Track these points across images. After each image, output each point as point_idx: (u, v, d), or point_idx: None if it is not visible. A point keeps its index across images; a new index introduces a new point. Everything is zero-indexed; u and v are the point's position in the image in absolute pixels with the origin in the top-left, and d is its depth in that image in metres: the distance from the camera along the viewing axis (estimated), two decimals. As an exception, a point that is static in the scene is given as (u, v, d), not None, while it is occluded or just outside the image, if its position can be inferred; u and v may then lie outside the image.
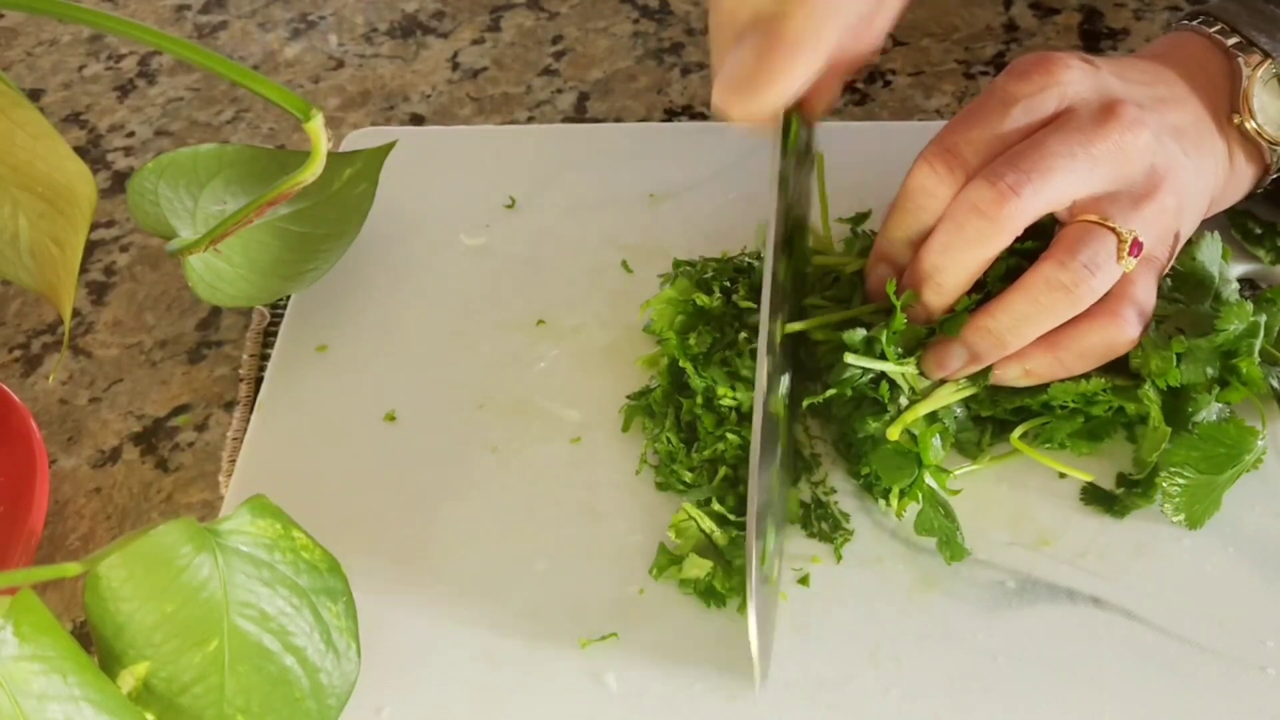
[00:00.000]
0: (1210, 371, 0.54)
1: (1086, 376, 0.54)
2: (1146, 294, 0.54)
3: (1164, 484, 0.53)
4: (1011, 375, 0.54)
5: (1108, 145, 0.52)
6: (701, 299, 0.59)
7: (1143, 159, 0.53)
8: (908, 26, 0.84)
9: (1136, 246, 0.52)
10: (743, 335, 0.58)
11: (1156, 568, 0.52)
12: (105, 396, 0.65)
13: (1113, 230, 0.52)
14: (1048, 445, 0.55)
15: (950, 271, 0.53)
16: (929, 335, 0.54)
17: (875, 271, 0.57)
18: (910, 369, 0.54)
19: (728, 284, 0.60)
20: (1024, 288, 0.53)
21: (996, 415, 0.56)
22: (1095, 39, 0.82)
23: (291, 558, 0.46)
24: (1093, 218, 0.52)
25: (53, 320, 0.69)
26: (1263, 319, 0.54)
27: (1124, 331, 0.53)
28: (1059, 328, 0.53)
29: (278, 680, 0.45)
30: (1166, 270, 0.55)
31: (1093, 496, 0.54)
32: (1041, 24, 0.84)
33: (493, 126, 0.79)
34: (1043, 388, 0.55)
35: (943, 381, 0.55)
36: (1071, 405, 0.55)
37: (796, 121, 0.56)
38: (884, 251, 0.57)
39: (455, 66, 0.84)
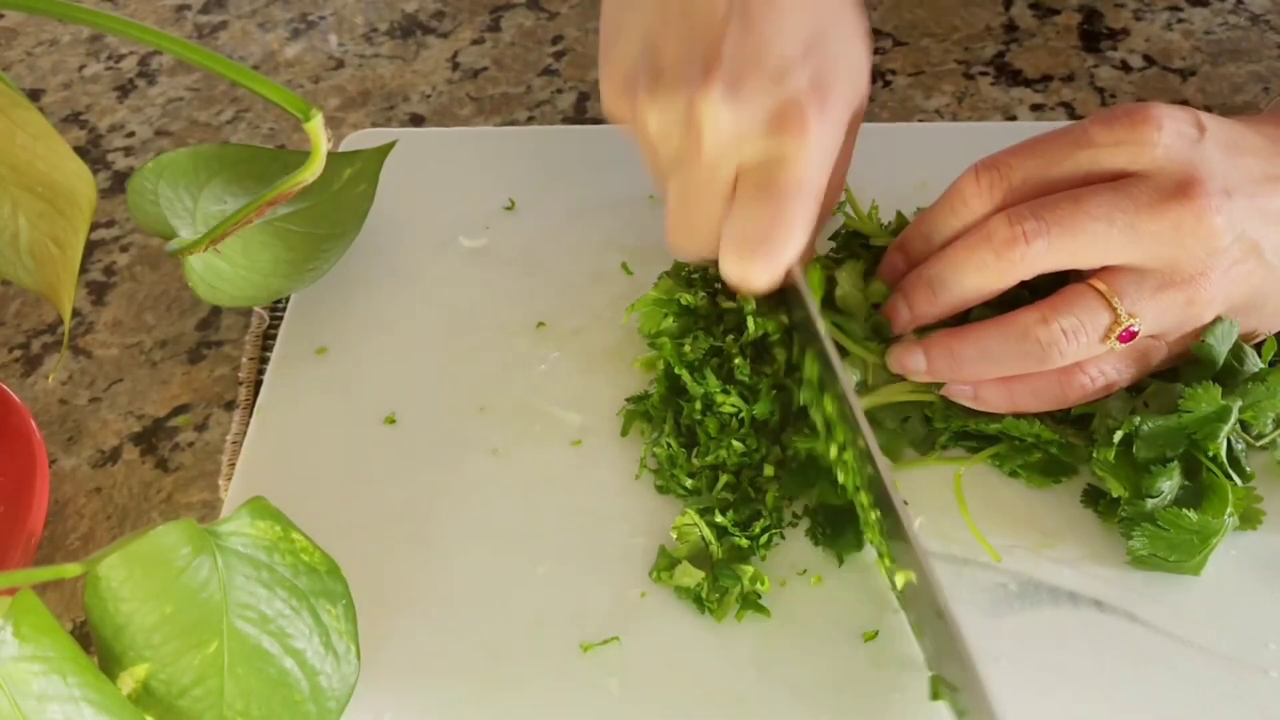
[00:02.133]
0: (1169, 452, 0.51)
1: (1042, 418, 0.54)
2: (1119, 371, 0.53)
3: (1136, 554, 0.51)
4: (961, 395, 0.54)
5: (1161, 225, 0.49)
6: (686, 297, 0.59)
7: (1199, 248, 0.50)
8: (908, 26, 0.84)
9: (1128, 336, 0.51)
10: (730, 336, 0.57)
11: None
12: (105, 396, 0.65)
13: (1112, 308, 0.51)
14: (1001, 470, 0.55)
15: (949, 287, 0.53)
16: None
17: (890, 257, 0.57)
18: (873, 357, 0.55)
19: (719, 284, 0.60)
20: (999, 327, 0.52)
21: (949, 429, 0.55)
22: (1095, 39, 0.82)
23: (291, 560, 0.46)
24: (1101, 286, 0.51)
25: (53, 320, 0.69)
26: (1236, 404, 0.51)
27: (1077, 391, 0.53)
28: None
29: (277, 683, 0.45)
30: (1169, 360, 0.54)
31: (1093, 499, 0.54)
32: (1041, 24, 0.84)
33: (492, 128, 0.79)
34: (996, 415, 0.55)
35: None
36: (1027, 440, 0.54)
37: (815, 265, 0.56)
38: (906, 241, 0.57)
39: (455, 66, 0.84)
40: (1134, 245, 0.50)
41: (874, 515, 0.51)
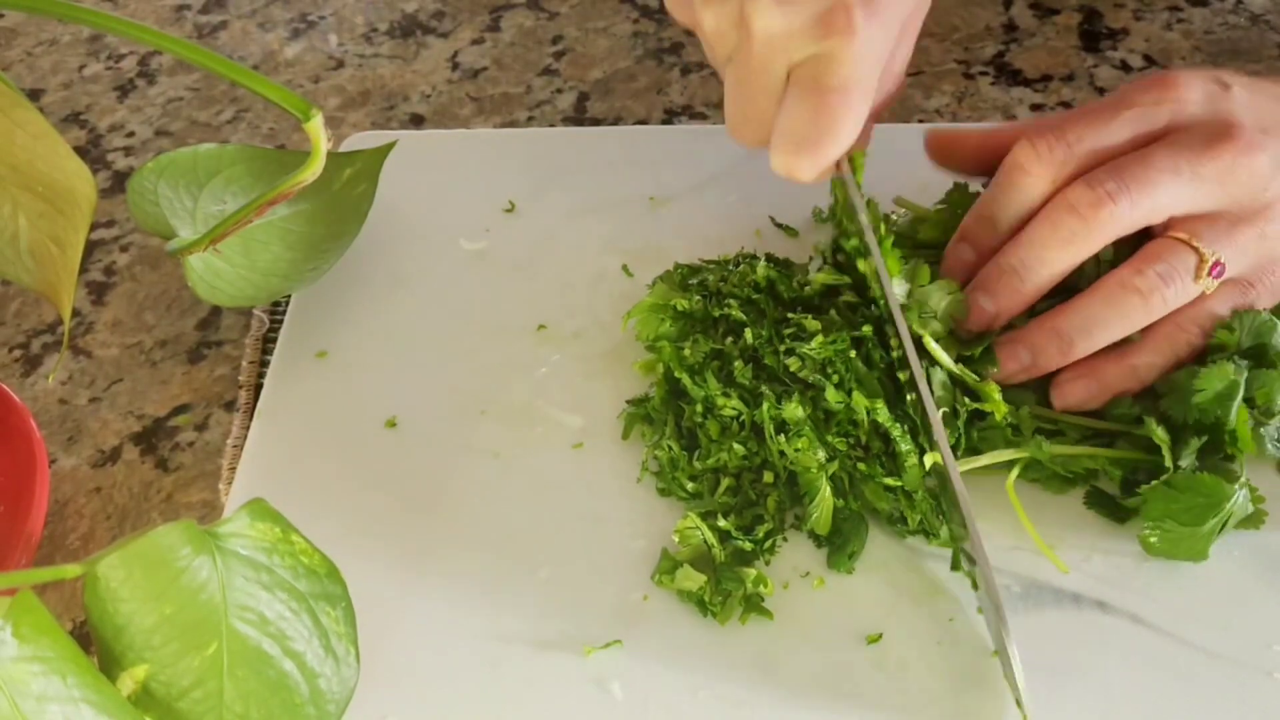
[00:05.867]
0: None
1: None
2: (1221, 311, 0.55)
3: (1146, 537, 0.52)
4: (1079, 398, 0.55)
5: (1216, 166, 0.52)
6: (682, 302, 0.59)
7: (1254, 183, 0.53)
8: (909, 27, 0.84)
9: (1217, 268, 0.53)
10: (729, 339, 0.57)
11: (1161, 572, 0.52)
12: (105, 396, 0.65)
13: (1195, 249, 0.53)
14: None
15: (1035, 269, 0.54)
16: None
17: (956, 251, 0.58)
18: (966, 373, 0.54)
19: (721, 284, 0.60)
20: (1095, 293, 0.53)
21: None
22: (1095, 39, 0.82)
23: (290, 562, 0.46)
24: (1180, 235, 0.53)
25: (53, 320, 0.69)
26: (1242, 377, 0.53)
27: (1188, 349, 0.54)
28: (1125, 343, 0.54)
29: (276, 685, 0.45)
30: (1271, 303, 0.56)
31: (1095, 500, 0.54)
32: (1041, 24, 0.84)
33: (492, 130, 0.79)
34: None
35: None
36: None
37: (859, 156, 0.57)
38: (970, 231, 0.57)
39: (455, 66, 0.84)
40: (1197, 189, 0.53)
41: (910, 395, 0.53)
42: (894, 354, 0.54)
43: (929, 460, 0.52)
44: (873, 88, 0.53)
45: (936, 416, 0.51)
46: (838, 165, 0.55)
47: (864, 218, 0.55)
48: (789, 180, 0.55)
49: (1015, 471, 0.54)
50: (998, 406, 0.53)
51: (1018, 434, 0.54)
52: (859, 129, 0.53)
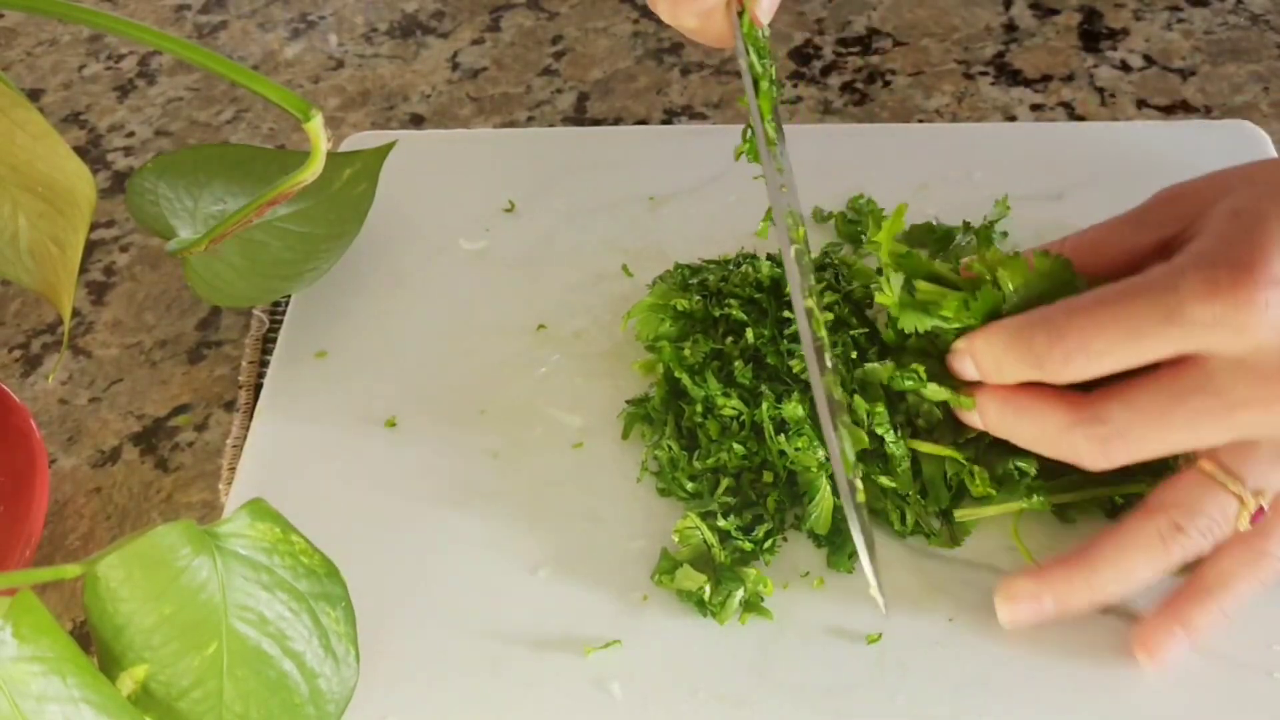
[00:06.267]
0: None
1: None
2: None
3: None
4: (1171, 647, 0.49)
5: (1274, 414, 0.45)
6: (682, 302, 0.59)
7: None
8: (907, 26, 0.84)
9: (1259, 515, 0.47)
10: (729, 340, 0.57)
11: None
12: (105, 396, 0.65)
13: (1236, 495, 0.47)
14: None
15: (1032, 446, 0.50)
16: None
17: (962, 366, 0.51)
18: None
19: (721, 284, 0.60)
20: (1139, 542, 0.48)
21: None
22: (1095, 39, 0.82)
23: (290, 562, 0.46)
24: (1219, 475, 0.47)
25: (53, 320, 0.69)
26: None
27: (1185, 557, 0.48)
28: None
29: (276, 685, 0.45)
30: None
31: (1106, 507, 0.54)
32: (1041, 24, 0.84)
33: (491, 130, 0.79)
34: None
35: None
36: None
37: (745, 15, 0.54)
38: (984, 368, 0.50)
39: (455, 66, 0.84)
40: (1242, 432, 0.46)
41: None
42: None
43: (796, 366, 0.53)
44: None
45: (818, 363, 0.51)
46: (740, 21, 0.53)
47: (743, 62, 0.53)
48: (673, 23, 0.53)
49: (1016, 520, 0.53)
50: (986, 488, 0.52)
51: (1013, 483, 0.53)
52: None
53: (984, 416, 0.50)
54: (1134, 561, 0.48)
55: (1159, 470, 0.51)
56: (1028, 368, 0.48)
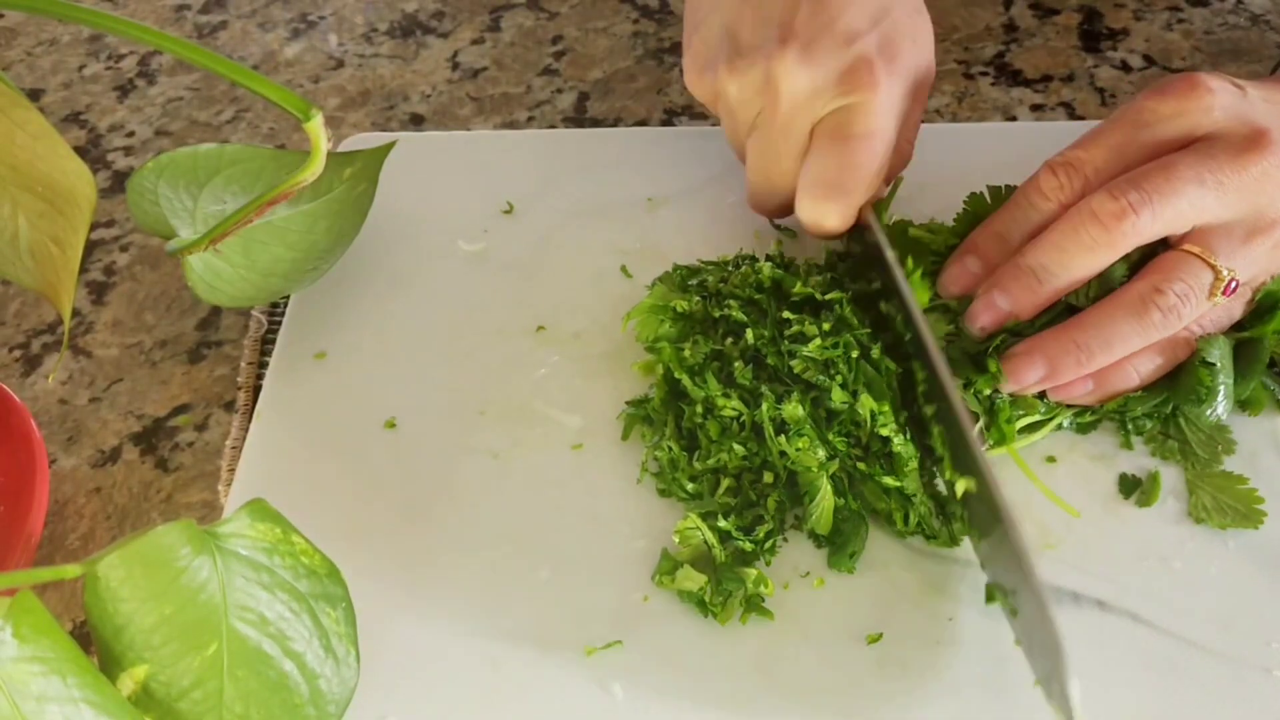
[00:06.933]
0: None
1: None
2: (1216, 323, 0.55)
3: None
4: (1084, 395, 0.56)
5: (1244, 178, 0.52)
6: (681, 304, 0.59)
7: (1278, 193, 0.53)
8: (909, 27, 0.84)
9: (1231, 287, 0.53)
10: (729, 340, 0.57)
11: (1161, 570, 0.52)
12: (105, 396, 0.65)
13: (1212, 266, 0.53)
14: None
15: (1055, 272, 0.54)
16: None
17: (962, 263, 0.58)
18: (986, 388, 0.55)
19: (721, 284, 0.60)
20: (1118, 304, 0.54)
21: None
22: (1095, 39, 0.82)
23: (291, 562, 0.46)
24: (1196, 249, 0.53)
25: (53, 320, 0.69)
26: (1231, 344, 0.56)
27: (1187, 349, 0.55)
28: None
29: (276, 686, 0.45)
30: (1250, 303, 0.56)
31: (1127, 487, 0.55)
32: (1041, 24, 0.84)
33: (490, 131, 0.79)
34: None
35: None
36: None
37: (880, 205, 0.58)
38: (978, 243, 0.58)
39: (455, 66, 0.84)
40: (1222, 201, 0.53)
41: (937, 429, 0.52)
42: (920, 388, 0.53)
43: (960, 487, 0.51)
44: (893, 137, 0.55)
45: (981, 451, 0.50)
46: (860, 213, 0.57)
47: (890, 254, 0.55)
48: (816, 232, 0.57)
49: (1041, 434, 0.56)
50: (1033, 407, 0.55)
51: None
52: (882, 175, 0.56)
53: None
54: (1117, 322, 0.53)
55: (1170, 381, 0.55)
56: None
